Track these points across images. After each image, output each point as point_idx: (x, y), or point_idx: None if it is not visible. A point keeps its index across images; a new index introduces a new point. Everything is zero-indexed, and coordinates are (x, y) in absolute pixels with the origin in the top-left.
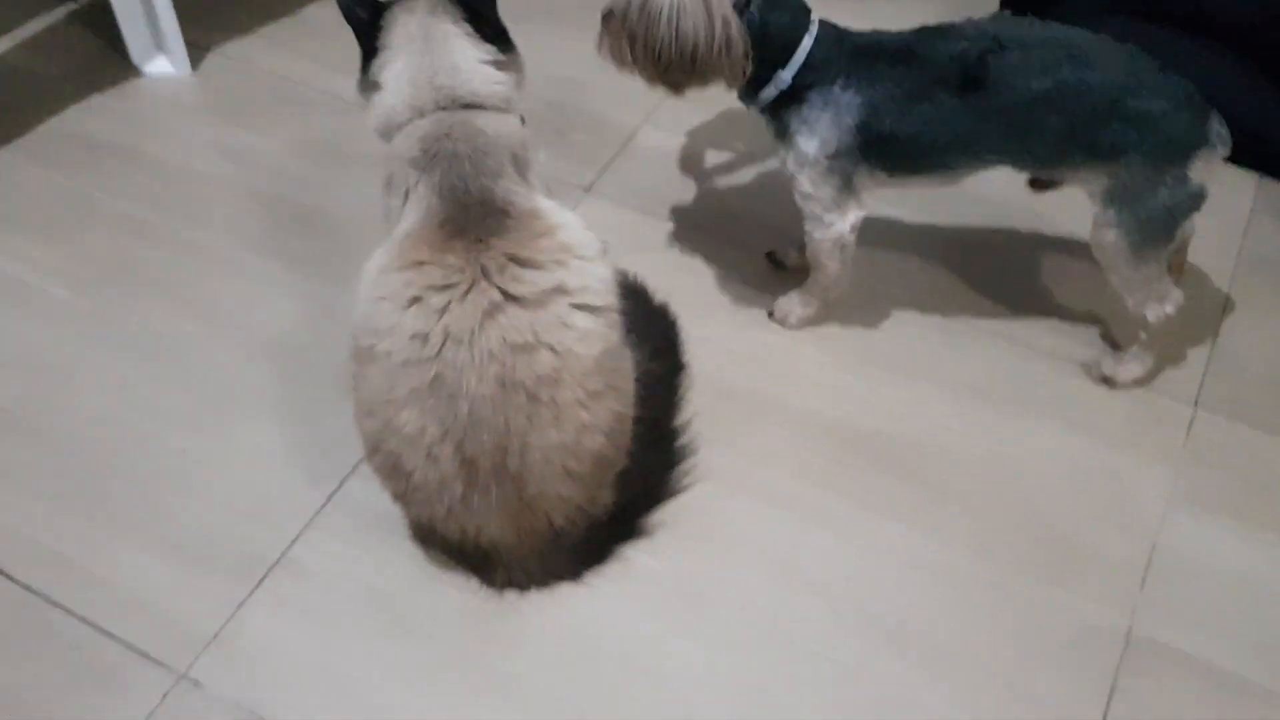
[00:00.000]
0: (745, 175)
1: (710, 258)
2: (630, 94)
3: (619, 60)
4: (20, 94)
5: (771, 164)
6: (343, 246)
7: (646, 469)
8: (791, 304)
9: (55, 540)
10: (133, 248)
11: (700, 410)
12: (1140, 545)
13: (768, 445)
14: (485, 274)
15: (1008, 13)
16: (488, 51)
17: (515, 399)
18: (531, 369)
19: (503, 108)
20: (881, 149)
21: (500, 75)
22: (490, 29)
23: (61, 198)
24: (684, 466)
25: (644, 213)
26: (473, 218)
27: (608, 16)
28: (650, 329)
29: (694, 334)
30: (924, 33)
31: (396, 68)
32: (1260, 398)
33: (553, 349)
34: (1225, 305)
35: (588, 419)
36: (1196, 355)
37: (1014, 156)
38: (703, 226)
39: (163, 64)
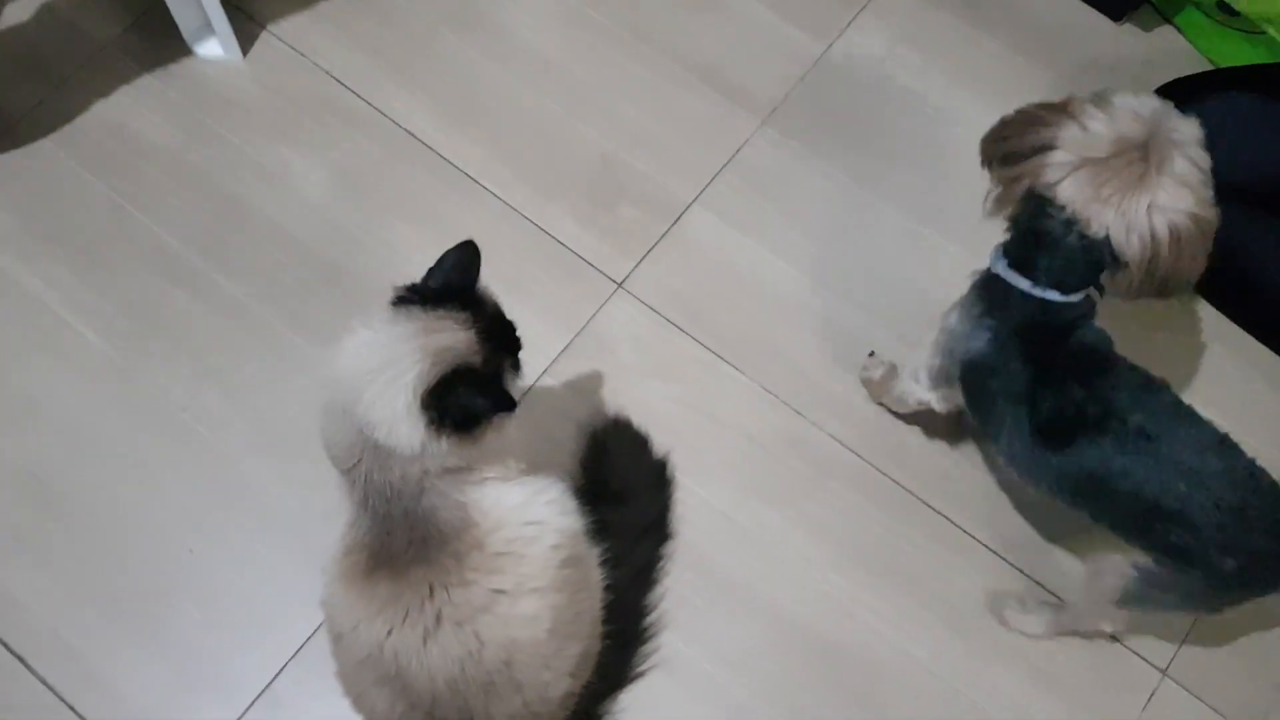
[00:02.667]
0: (793, 294)
1: (728, 400)
2: (686, 162)
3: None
4: (71, 61)
5: (831, 296)
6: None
7: (608, 650)
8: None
9: (71, 631)
10: (165, 291)
11: (674, 587)
12: None
13: (732, 643)
14: (419, 603)
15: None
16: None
17: (472, 690)
18: (482, 667)
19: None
20: (967, 391)
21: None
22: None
23: (100, 209)
24: (645, 649)
25: (672, 325)
26: (398, 545)
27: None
28: (642, 494)
29: (693, 489)
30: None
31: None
32: (1228, 680)
33: (500, 645)
34: None
35: (550, 676)
36: (1181, 619)
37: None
38: (730, 354)
39: (213, 46)
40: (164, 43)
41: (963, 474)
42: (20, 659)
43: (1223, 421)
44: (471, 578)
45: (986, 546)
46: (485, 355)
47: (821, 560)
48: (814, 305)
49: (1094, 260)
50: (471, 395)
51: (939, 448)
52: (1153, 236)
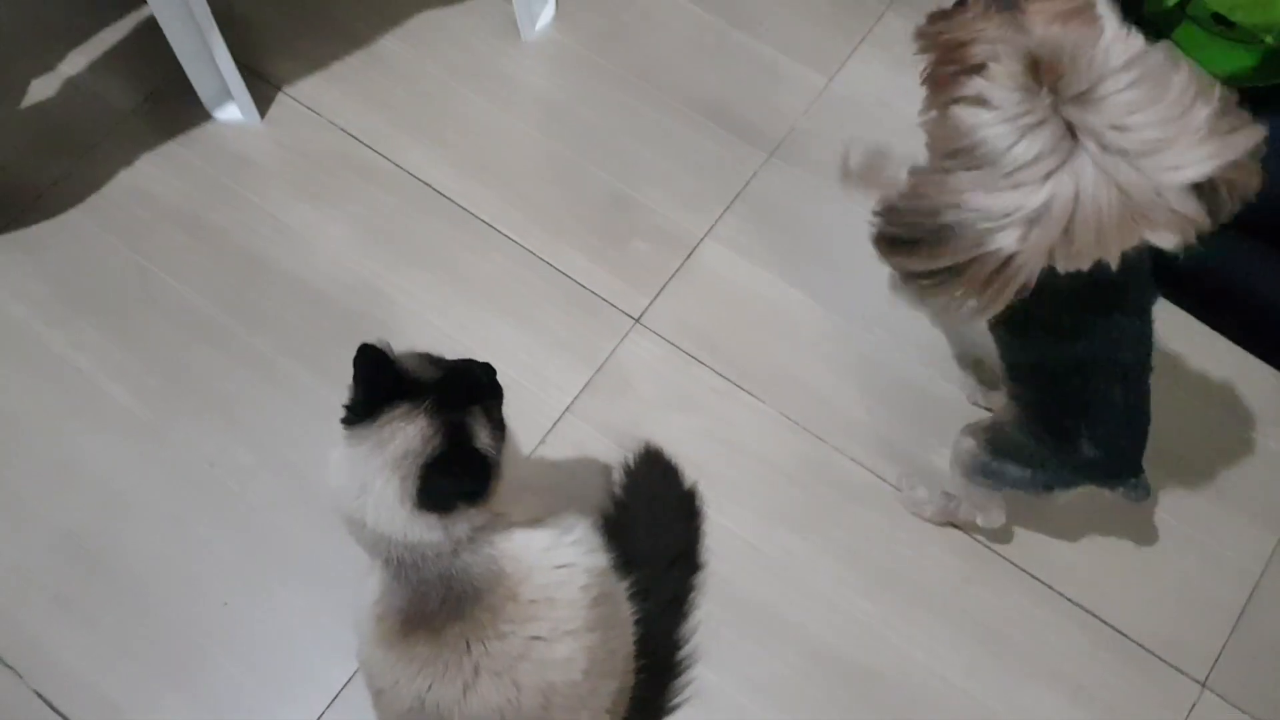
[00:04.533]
0: (809, 321)
1: (749, 430)
2: (697, 197)
3: None
4: (96, 132)
5: (845, 321)
6: None
7: (642, 685)
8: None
9: (110, 685)
10: (191, 348)
11: (706, 619)
12: None
13: (766, 672)
14: (457, 658)
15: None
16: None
17: None
18: (521, 713)
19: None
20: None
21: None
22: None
23: (125, 273)
24: (679, 682)
25: (691, 357)
26: (433, 605)
27: None
28: (672, 525)
29: (719, 521)
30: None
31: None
32: (1270, 688)
33: (538, 690)
34: (1257, 583)
35: (587, 716)
36: (1219, 627)
37: None
38: (749, 383)
39: (232, 110)
40: (184, 109)
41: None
42: (62, 715)
43: None
44: (507, 629)
45: (1014, 564)
46: (445, 431)
47: (850, 586)
48: (829, 331)
49: None
50: (452, 482)
51: None
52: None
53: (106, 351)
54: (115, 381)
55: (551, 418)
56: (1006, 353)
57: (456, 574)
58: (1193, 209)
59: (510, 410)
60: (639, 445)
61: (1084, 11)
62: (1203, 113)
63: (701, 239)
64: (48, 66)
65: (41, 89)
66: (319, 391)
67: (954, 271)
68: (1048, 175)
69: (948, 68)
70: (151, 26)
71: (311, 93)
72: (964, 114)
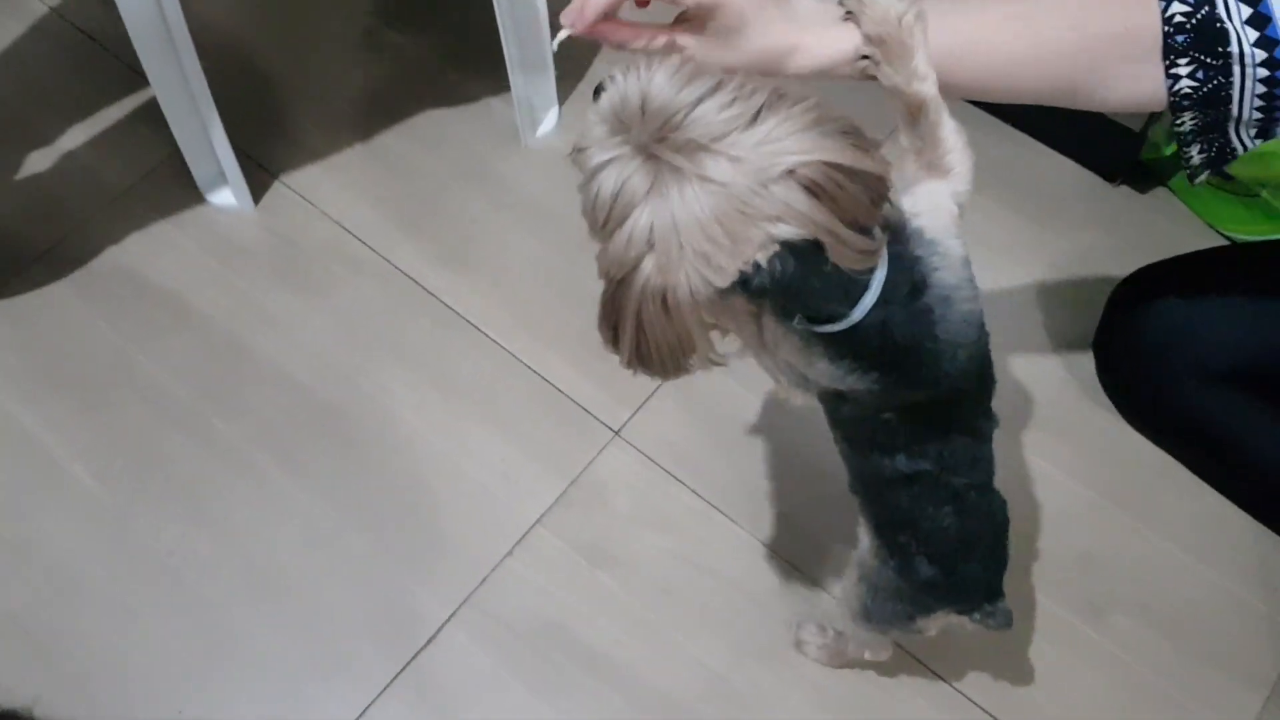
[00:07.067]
0: (790, 445)
1: (723, 554)
2: None
3: None
4: (88, 207)
5: (830, 448)
6: (351, 466)
7: None
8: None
9: None
10: (162, 432)
11: None
12: None
13: None
14: None
15: None
16: None
17: None
18: None
19: None
20: None
21: None
22: None
23: (103, 351)
24: None
25: (670, 476)
26: None
27: None
28: None
29: (687, 648)
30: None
31: None
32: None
33: None
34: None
35: None
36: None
37: None
38: (727, 506)
39: (226, 196)
40: (178, 191)
41: (962, 638)
42: None
43: None
44: None
45: (987, 712)
46: None
47: None
48: (810, 458)
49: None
50: None
51: None
52: None
53: (74, 430)
54: (79, 461)
55: (522, 529)
56: (847, 465)
57: None
58: (803, 204)
59: (480, 518)
60: None
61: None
62: (769, 92)
63: None
64: (46, 140)
65: (38, 161)
66: (286, 486)
67: (644, 334)
68: (645, 198)
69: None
70: (153, 107)
71: (307, 182)
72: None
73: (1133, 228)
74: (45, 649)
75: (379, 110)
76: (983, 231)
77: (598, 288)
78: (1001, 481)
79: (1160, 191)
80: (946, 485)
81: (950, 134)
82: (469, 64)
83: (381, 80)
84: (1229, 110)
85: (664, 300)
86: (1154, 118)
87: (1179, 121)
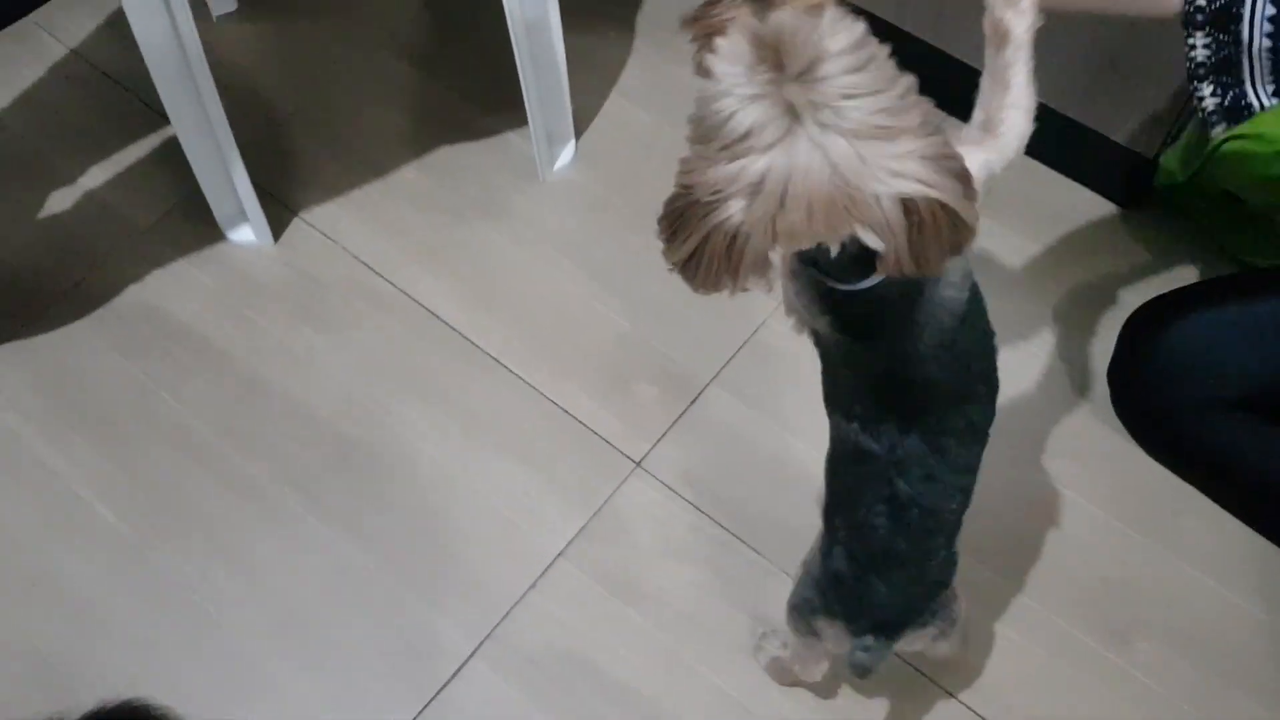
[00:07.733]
0: (812, 475)
1: (746, 586)
2: (704, 342)
3: None
4: (108, 245)
5: None
6: (373, 501)
7: None
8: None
9: None
10: (184, 469)
11: None
12: None
13: None
14: None
15: None
16: None
17: None
18: None
19: None
20: None
21: None
22: None
23: (125, 389)
24: None
25: (692, 506)
26: None
27: None
28: None
29: (712, 680)
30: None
31: None
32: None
33: None
34: None
35: None
36: None
37: None
38: (749, 536)
39: (246, 233)
40: (198, 229)
41: (981, 657)
42: None
43: None
44: None
45: None
46: None
47: None
48: None
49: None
50: None
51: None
52: None
53: (97, 467)
54: (102, 498)
55: (544, 562)
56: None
57: None
58: (897, 220)
59: (502, 552)
60: None
61: (827, 6)
62: (920, 115)
63: (707, 384)
64: (68, 179)
65: (60, 200)
66: (308, 522)
67: (700, 253)
68: (767, 148)
69: (705, 55)
70: (172, 145)
71: (326, 218)
72: (701, 90)
73: (1147, 254)
74: (67, 683)
75: (397, 145)
76: (997, 258)
77: (616, 322)
78: (1021, 510)
79: (1174, 218)
80: (890, 482)
81: (1019, 87)
82: (487, 99)
83: (400, 116)
84: (1239, 32)
85: (733, 239)
86: (1166, 145)
87: (1191, 42)
